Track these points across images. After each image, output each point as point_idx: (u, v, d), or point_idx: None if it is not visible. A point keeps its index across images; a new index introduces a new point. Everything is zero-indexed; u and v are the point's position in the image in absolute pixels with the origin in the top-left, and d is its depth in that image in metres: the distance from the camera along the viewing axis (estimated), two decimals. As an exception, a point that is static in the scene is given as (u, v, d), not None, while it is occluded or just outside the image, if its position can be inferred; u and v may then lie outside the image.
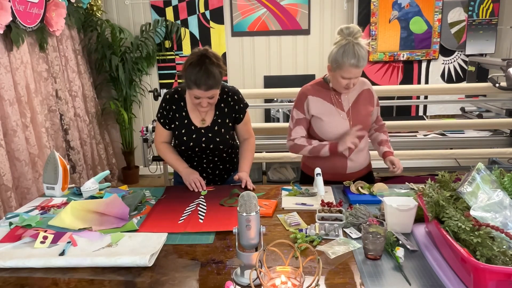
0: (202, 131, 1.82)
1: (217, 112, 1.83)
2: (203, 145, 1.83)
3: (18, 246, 1.34)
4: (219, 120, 1.84)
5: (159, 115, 1.86)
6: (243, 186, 1.80)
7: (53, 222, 1.48)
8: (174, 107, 1.82)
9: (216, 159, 1.92)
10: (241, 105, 1.86)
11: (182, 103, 1.82)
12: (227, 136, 1.85)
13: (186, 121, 1.82)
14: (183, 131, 1.82)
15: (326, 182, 1.80)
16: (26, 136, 2.77)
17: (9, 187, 2.53)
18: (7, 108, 2.59)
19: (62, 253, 1.27)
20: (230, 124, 1.87)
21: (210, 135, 1.82)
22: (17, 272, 1.21)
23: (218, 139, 1.83)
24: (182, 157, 1.93)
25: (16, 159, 2.67)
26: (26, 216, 1.53)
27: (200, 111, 1.81)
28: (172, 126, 1.85)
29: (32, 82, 2.89)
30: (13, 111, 2.64)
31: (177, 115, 1.82)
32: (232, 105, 1.84)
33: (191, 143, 1.82)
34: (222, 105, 1.83)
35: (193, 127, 1.82)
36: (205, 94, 1.66)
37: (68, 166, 1.85)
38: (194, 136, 1.82)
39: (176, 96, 1.83)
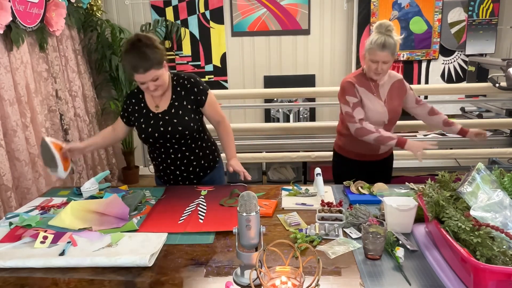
0: (159, 115, 1.83)
1: (174, 96, 1.84)
2: (162, 129, 1.81)
3: (18, 246, 1.34)
4: (176, 103, 1.83)
5: (121, 112, 1.92)
6: (242, 178, 1.82)
7: (53, 222, 1.48)
8: (133, 101, 1.88)
9: (183, 148, 1.88)
10: (200, 87, 1.85)
11: (140, 96, 1.87)
12: (186, 118, 1.82)
13: (144, 110, 1.85)
14: (141, 120, 1.85)
15: (360, 163, 2.08)
16: (26, 136, 2.77)
17: (9, 187, 2.53)
18: (7, 108, 2.59)
19: (62, 253, 1.27)
20: (190, 107, 1.84)
21: (167, 117, 1.81)
22: (17, 272, 1.21)
23: (175, 121, 1.81)
24: (151, 148, 1.93)
25: (16, 159, 2.67)
26: (26, 216, 1.54)
27: (153, 97, 1.83)
28: (132, 118, 1.88)
29: (32, 82, 2.89)
30: (13, 111, 2.64)
31: (136, 107, 1.87)
32: (189, 87, 1.84)
33: (150, 129, 1.82)
34: (179, 89, 1.84)
35: (150, 114, 1.84)
36: (146, 77, 1.66)
37: (63, 145, 1.79)
38: (152, 122, 1.82)
39: (135, 90, 1.88)
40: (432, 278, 1.12)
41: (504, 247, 0.99)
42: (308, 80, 4.22)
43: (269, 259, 1.22)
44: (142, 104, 1.85)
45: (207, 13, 4.11)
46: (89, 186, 1.75)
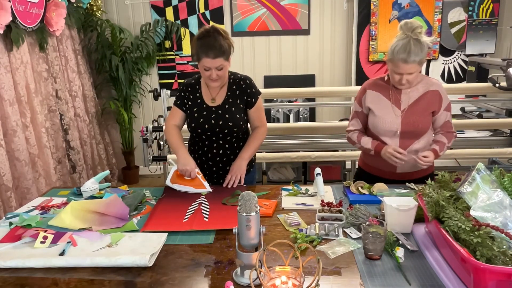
0: (213, 109, 1.88)
1: (229, 93, 1.90)
2: (213, 121, 1.87)
3: (18, 246, 1.34)
4: (230, 100, 1.89)
5: (175, 99, 1.95)
6: (224, 184, 1.84)
7: (53, 222, 1.48)
8: (189, 89, 1.93)
9: (226, 145, 1.92)
10: (253, 90, 1.92)
11: (197, 86, 1.93)
12: (237, 116, 1.88)
13: (199, 100, 1.91)
14: (195, 109, 1.90)
15: (375, 179, 1.84)
16: (26, 136, 2.77)
17: (9, 187, 2.53)
18: (7, 108, 2.59)
19: (62, 253, 1.27)
20: (242, 106, 1.91)
21: (220, 112, 1.87)
22: (17, 272, 1.21)
23: (227, 116, 1.87)
24: (194, 140, 1.98)
25: (16, 159, 2.67)
26: (26, 216, 1.53)
27: (211, 87, 1.86)
28: (187, 106, 1.92)
29: (32, 82, 2.89)
30: (13, 111, 2.64)
31: (191, 96, 1.92)
32: (244, 88, 1.90)
33: (201, 120, 1.87)
34: (234, 87, 1.90)
35: (204, 106, 1.89)
36: (214, 63, 1.72)
37: (195, 170, 1.81)
38: (204, 113, 1.88)
39: (193, 81, 1.94)
40: (432, 278, 1.12)
41: (504, 247, 0.99)
42: (308, 80, 4.23)
43: (269, 259, 1.22)
44: (198, 95, 1.91)
45: (207, 13, 4.11)
46: (89, 186, 1.75)
